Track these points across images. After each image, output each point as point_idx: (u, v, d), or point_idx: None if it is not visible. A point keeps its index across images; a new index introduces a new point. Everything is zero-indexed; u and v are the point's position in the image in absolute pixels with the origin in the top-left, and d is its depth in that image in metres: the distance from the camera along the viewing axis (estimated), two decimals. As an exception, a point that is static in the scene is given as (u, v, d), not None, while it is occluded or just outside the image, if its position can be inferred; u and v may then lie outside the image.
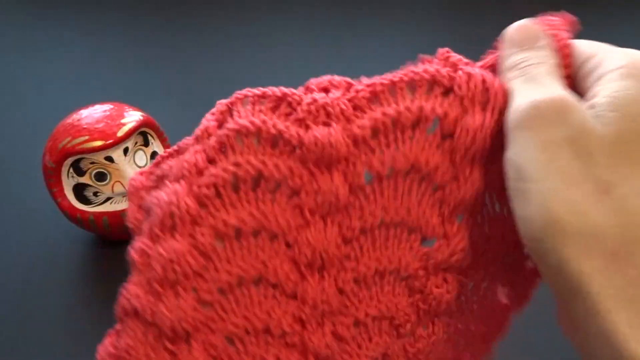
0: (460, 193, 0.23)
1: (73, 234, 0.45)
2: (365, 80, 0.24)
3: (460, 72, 0.23)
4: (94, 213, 0.41)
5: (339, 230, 0.23)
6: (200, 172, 0.23)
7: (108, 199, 0.41)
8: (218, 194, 0.23)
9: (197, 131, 0.24)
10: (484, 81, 0.23)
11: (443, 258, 0.24)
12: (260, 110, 0.24)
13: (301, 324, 0.23)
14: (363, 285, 0.24)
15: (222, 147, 0.23)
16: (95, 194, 0.41)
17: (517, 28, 0.24)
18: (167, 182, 0.24)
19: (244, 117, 0.24)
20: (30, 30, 0.60)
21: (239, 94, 0.25)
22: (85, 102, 0.43)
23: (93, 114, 0.41)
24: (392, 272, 0.24)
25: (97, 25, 0.60)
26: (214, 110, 0.25)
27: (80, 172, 0.41)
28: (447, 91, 0.24)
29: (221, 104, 0.25)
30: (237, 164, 0.23)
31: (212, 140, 0.23)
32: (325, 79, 0.25)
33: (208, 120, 0.24)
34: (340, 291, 0.23)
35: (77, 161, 0.41)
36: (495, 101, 0.23)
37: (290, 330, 0.23)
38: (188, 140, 0.26)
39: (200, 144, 0.24)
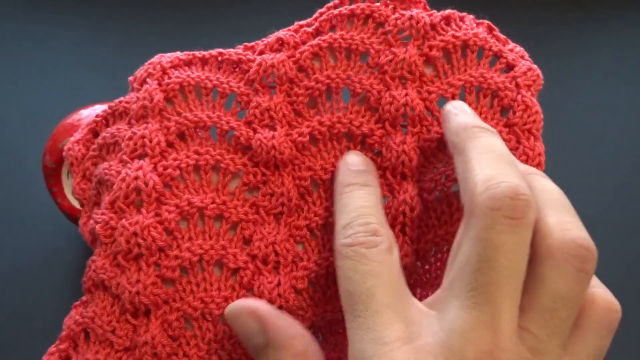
0: (398, 207, 0.25)
1: (73, 234, 0.45)
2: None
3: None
4: (94, 213, 0.41)
5: (289, 230, 0.25)
6: (162, 154, 0.25)
7: (108, 199, 0.41)
8: (182, 177, 0.25)
9: (144, 101, 0.26)
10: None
11: (393, 214, 0.25)
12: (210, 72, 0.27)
13: None
14: (317, 287, 0.24)
15: (181, 135, 0.25)
16: (95, 194, 0.41)
17: None
18: (124, 156, 0.25)
19: (197, 109, 0.26)
20: (30, 30, 0.60)
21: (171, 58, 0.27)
22: (85, 102, 0.43)
23: (93, 114, 0.41)
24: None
25: (98, 25, 0.60)
26: (152, 72, 0.26)
27: (80, 172, 0.41)
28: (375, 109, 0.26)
29: (154, 66, 0.27)
30: (198, 153, 0.25)
31: (172, 124, 0.25)
32: (273, 38, 0.27)
33: (154, 89, 0.26)
34: (295, 290, 0.24)
35: (77, 161, 0.41)
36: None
37: None
38: (124, 102, 0.27)
39: (155, 121, 0.25)
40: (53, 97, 0.54)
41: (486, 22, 0.28)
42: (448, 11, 0.27)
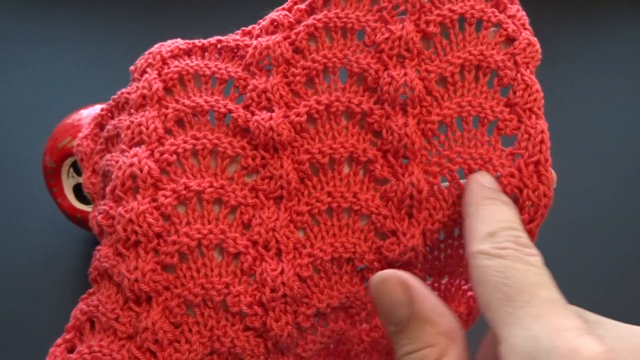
0: (404, 189, 0.24)
1: (73, 234, 0.45)
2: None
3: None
4: (94, 213, 0.41)
5: (289, 214, 0.24)
6: (159, 140, 0.24)
7: (108, 199, 0.41)
8: (179, 162, 0.24)
9: (143, 90, 0.25)
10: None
11: (394, 257, 0.24)
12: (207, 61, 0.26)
13: (263, 307, 0.23)
14: (322, 274, 0.24)
15: (179, 121, 0.25)
16: (95, 194, 0.41)
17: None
18: (123, 146, 0.24)
19: (195, 96, 0.25)
20: (30, 30, 0.60)
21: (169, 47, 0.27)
22: (85, 102, 0.43)
23: (93, 114, 0.41)
24: (349, 260, 0.24)
25: (98, 25, 0.60)
26: (152, 63, 0.26)
27: (80, 172, 0.41)
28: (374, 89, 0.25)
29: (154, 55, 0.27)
30: (195, 138, 0.24)
31: (170, 111, 0.25)
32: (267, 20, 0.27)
33: (153, 78, 0.26)
34: (300, 277, 0.23)
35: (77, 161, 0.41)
36: None
37: (250, 312, 0.23)
38: (125, 93, 0.27)
39: (153, 109, 0.25)
40: (53, 97, 0.54)
41: None
42: None
